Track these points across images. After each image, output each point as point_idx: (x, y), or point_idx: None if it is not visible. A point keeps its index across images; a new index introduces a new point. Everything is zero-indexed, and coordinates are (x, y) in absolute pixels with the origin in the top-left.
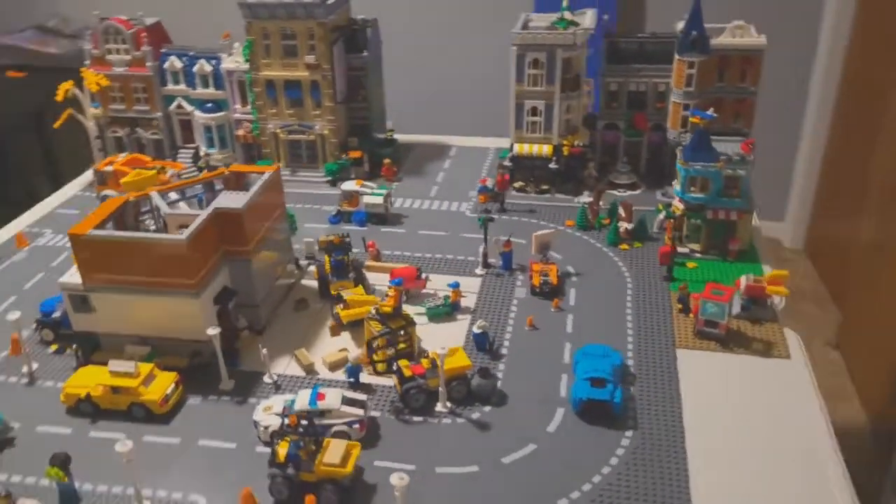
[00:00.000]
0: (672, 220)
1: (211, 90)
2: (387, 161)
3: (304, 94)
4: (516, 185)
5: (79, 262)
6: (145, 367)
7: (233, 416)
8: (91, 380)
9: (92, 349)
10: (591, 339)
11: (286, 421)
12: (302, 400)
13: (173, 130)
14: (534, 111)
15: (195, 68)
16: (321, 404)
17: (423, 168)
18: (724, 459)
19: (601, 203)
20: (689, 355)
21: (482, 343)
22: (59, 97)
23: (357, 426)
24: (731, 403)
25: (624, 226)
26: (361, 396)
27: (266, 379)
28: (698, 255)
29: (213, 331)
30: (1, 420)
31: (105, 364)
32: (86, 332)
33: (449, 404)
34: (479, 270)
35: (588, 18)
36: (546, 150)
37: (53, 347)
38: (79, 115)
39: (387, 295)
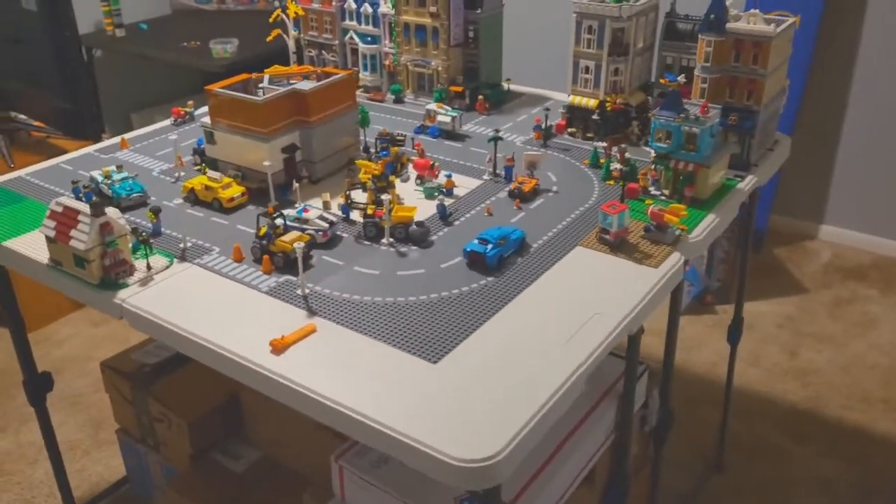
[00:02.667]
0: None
1: (371, 27)
2: (480, 98)
3: (427, 37)
4: (570, 130)
5: (209, 108)
6: (227, 179)
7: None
8: (198, 182)
9: (214, 169)
10: (524, 228)
11: (266, 210)
12: (294, 210)
13: (346, 56)
14: (586, 69)
15: (361, 9)
16: (304, 215)
17: (515, 110)
18: (531, 313)
19: (613, 149)
20: (583, 251)
21: (441, 213)
22: (271, 19)
23: (321, 233)
24: (579, 284)
25: (615, 166)
26: (333, 218)
27: (296, 206)
28: (664, 197)
29: (267, 163)
30: (143, 190)
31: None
32: (211, 157)
33: (391, 239)
34: (485, 176)
35: None
36: (592, 103)
37: (197, 167)
38: (284, 35)
39: (377, 164)
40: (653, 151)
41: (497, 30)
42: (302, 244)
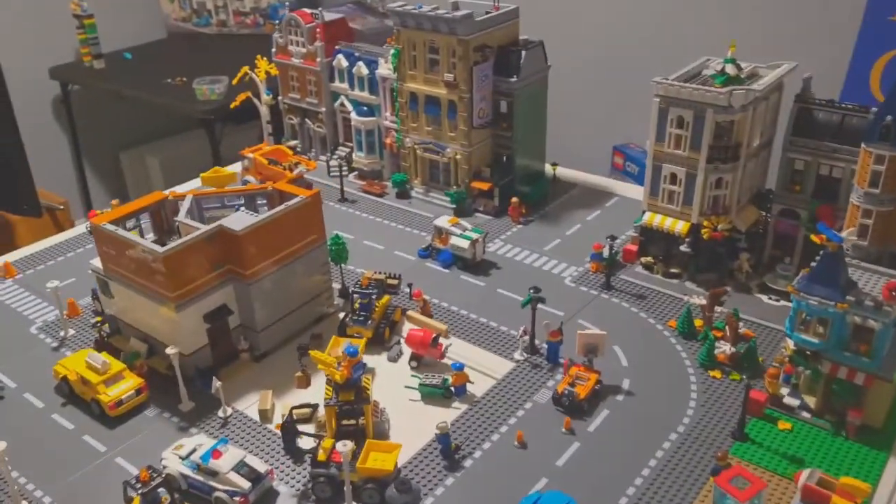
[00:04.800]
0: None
1: (366, 93)
2: (514, 200)
3: (441, 113)
4: (644, 259)
5: (98, 248)
6: (117, 367)
7: (166, 441)
8: (74, 365)
9: (115, 331)
10: (575, 485)
11: (136, 477)
12: (201, 451)
13: (337, 127)
14: (672, 178)
15: (354, 69)
16: (212, 463)
17: (564, 214)
18: None
19: (718, 309)
20: None
21: (444, 446)
22: (235, 80)
23: (238, 499)
24: None
25: (724, 348)
26: (262, 469)
27: (219, 413)
28: (807, 414)
29: (171, 350)
30: None
31: (115, 348)
32: (110, 315)
33: None
34: (517, 355)
35: (771, 76)
36: (680, 227)
37: (98, 319)
38: (254, 99)
39: (340, 363)
40: (790, 343)
41: (540, 101)
42: None
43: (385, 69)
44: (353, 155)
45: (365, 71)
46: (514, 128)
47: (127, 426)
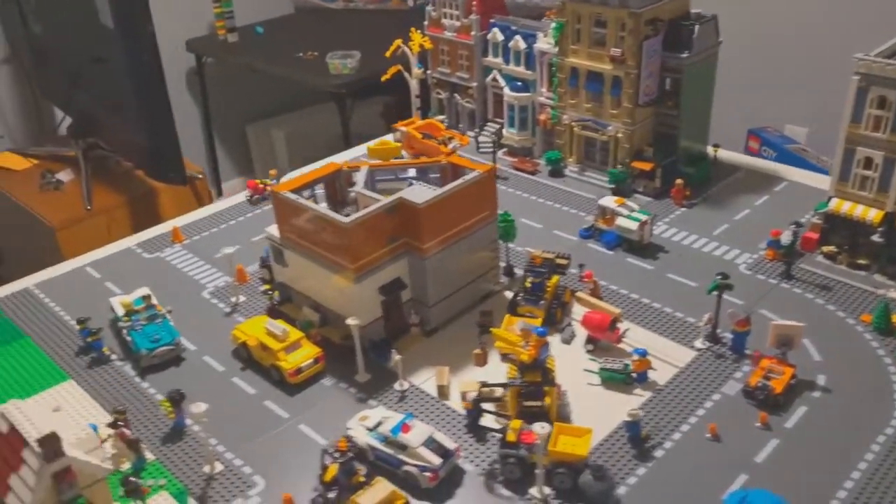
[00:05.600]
0: None
1: (522, 68)
2: (679, 181)
3: (604, 90)
4: (826, 249)
5: (277, 217)
6: (295, 335)
7: (346, 410)
8: (254, 330)
9: (286, 299)
10: (779, 482)
11: (334, 445)
12: (389, 424)
13: (486, 102)
14: (867, 163)
15: (511, 44)
16: (402, 437)
17: (729, 198)
18: None
19: None
20: None
21: (634, 434)
22: (388, 53)
23: (428, 474)
24: None
25: None
26: (451, 445)
27: (396, 386)
28: None
29: (353, 321)
30: (174, 340)
31: (287, 316)
32: (282, 283)
33: (547, 491)
34: (698, 343)
35: None
36: (873, 215)
37: (266, 287)
38: (405, 72)
39: (528, 342)
40: None
41: (708, 79)
42: None
43: (544, 43)
44: (504, 131)
45: (522, 45)
46: (681, 106)
47: (306, 394)
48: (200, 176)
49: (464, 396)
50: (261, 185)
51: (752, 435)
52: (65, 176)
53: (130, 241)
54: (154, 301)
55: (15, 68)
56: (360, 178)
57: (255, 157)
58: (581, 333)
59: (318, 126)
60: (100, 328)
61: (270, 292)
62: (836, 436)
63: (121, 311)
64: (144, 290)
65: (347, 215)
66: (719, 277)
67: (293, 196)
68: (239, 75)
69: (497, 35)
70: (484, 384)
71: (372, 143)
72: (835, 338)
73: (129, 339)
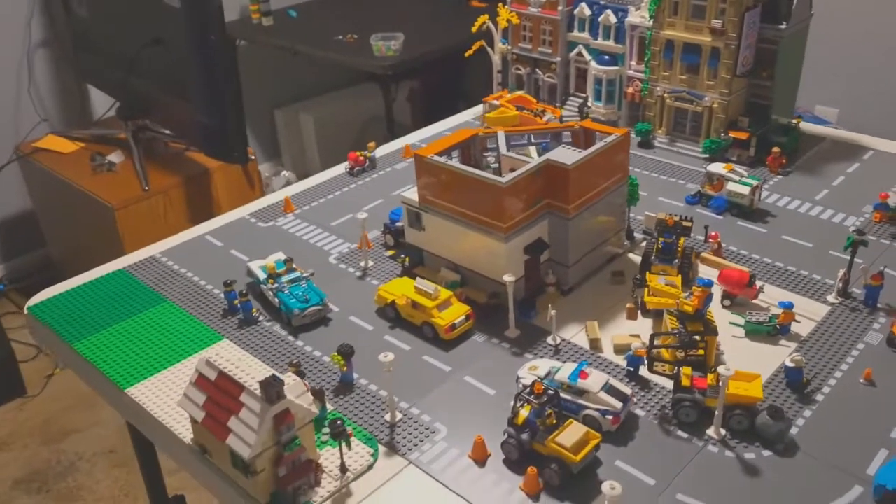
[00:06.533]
0: None
1: (611, 42)
2: (775, 150)
3: (701, 61)
4: None
5: (418, 181)
6: (445, 293)
7: (505, 364)
8: (401, 290)
9: (416, 263)
10: None
11: (531, 386)
12: (565, 371)
13: (569, 77)
14: None
15: (601, 18)
16: (581, 383)
17: (821, 166)
18: None
19: None
20: None
21: (794, 380)
22: (475, 28)
23: (610, 418)
24: None
25: None
26: (627, 390)
27: (549, 340)
28: None
29: (509, 278)
30: (322, 300)
31: (421, 278)
32: (415, 246)
33: (723, 432)
34: (831, 297)
35: None
36: None
37: (390, 252)
38: (488, 47)
39: (692, 293)
40: None
41: (799, 50)
42: (618, 492)
43: (636, 17)
44: (590, 104)
45: (613, 19)
46: (776, 77)
47: (461, 349)
48: (253, 157)
49: (616, 349)
50: (361, 157)
51: None
52: (116, 158)
53: (242, 212)
54: (294, 265)
55: (53, 53)
56: (500, 141)
57: (282, 141)
58: (716, 291)
59: (347, 111)
60: (246, 291)
61: (402, 256)
62: None
63: (263, 275)
64: (281, 255)
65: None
66: (855, 233)
67: (442, 160)
68: (269, 59)
69: (584, 10)
70: (656, 334)
71: (490, 113)
72: None
73: (276, 300)
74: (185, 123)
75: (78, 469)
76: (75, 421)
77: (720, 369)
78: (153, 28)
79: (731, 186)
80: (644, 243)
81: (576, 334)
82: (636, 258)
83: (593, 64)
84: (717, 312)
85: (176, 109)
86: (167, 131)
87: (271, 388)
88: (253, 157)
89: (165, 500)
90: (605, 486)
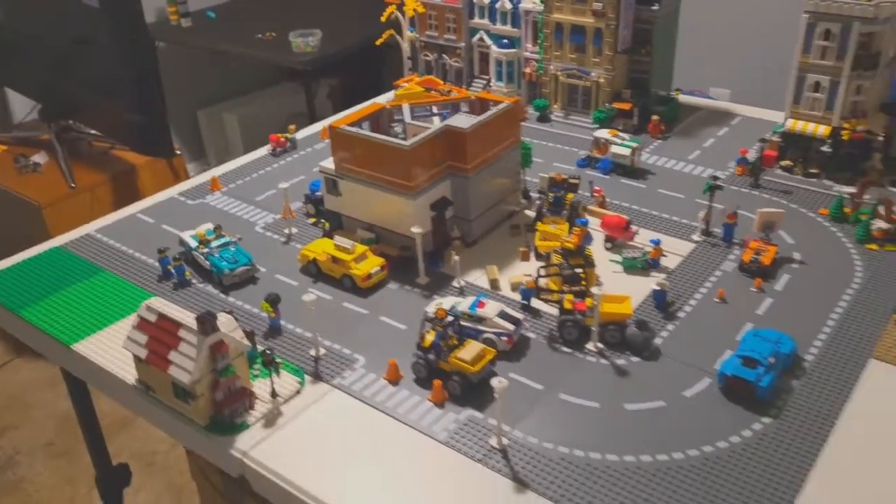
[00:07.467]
0: None
1: (508, 27)
2: (655, 118)
3: (587, 41)
4: (784, 163)
5: (333, 150)
6: (361, 248)
7: (416, 305)
8: (322, 248)
9: (335, 227)
10: (778, 325)
11: (435, 313)
12: (465, 303)
13: (473, 61)
14: (816, 86)
15: (498, 5)
16: (479, 311)
17: (696, 131)
18: (855, 484)
19: (866, 196)
20: (884, 369)
21: (660, 301)
22: (384, 18)
23: (505, 339)
24: None
25: (878, 224)
26: (519, 316)
27: (455, 283)
28: None
29: (416, 229)
30: (250, 261)
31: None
32: (333, 211)
33: (600, 345)
34: (695, 236)
35: None
36: (822, 130)
37: (312, 220)
38: (397, 36)
39: (572, 232)
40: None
41: (672, 29)
42: (504, 385)
43: (529, 3)
44: (493, 84)
45: (508, 5)
46: (654, 53)
47: (377, 296)
48: (179, 152)
49: (512, 286)
50: (282, 139)
51: (750, 297)
52: (40, 158)
53: (172, 192)
54: (223, 232)
55: None
56: (405, 112)
57: (206, 141)
58: (599, 236)
59: (270, 109)
60: (179, 256)
61: (322, 221)
62: (816, 291)
63: (194, 242)
64: (210, 225)
65: None
66: (712, 179)
67: (353, 129)
68: (190, 60)
69: None
70: (542, 266)
71: (399, 90)
72: (801, 227)
73: (207, 263)
74: (108, 121)
75: (17, 463)
76: (9, 418)
77: (593, 289)
78: (74, 29)
79: (614, 149)
80: (538, 201)
81: (478, 278)
82: (532, 214)
83: (494, 48)
84: (601, 253)
85: (99, 108)
86: (92, 131)
87: (206, 322)
88: (179, 153)
89: (110, 469)
90: (494, 382)
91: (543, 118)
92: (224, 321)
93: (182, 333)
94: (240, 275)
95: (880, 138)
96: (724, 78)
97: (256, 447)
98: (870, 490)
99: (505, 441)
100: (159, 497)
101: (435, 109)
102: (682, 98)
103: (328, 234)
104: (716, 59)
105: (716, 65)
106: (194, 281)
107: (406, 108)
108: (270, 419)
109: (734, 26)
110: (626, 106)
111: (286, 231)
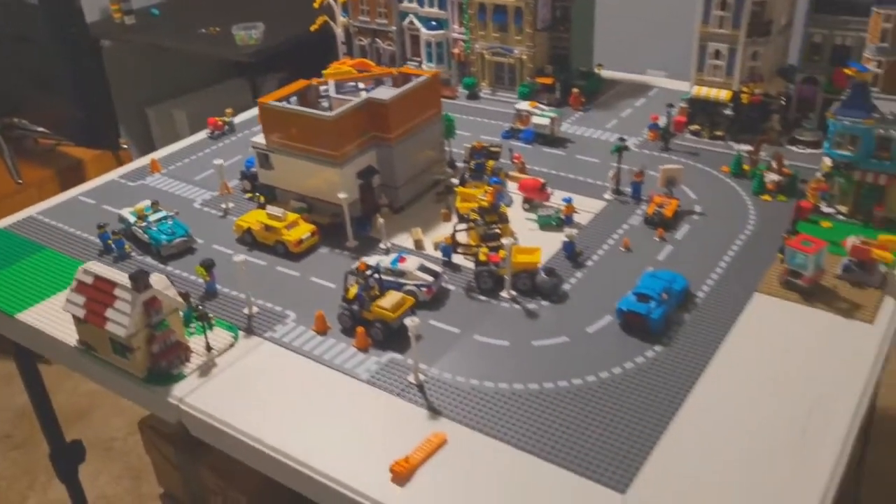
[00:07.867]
0: (821, 178)
1: (435, 9)
2: (575, 91)
3: (508, 20)
4: (692, 127)
5: (263, 125)
6: (292, 216)
7: (344, 266)
8: (256, 218)
9: (270, 199)
10: (676, 268)
11: (356, 267)
12: (387, 260)
13: (405, 44)
14: (716, 54)
15: None
16: (400, 266)
17: (614, 103)
18: (730, 400)
19: (762, 154)
20: (766, 300)
21: (569, 251)
22: (316, 4)
23: (425, 290)
24: (777, 351)
25: (771, 177)
26: (437, 269)
27: (381, 245)
28: (842, 217)
29: (343, 195)
30: (187, 233)
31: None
32: (266, 184)
33: (513, 293)
34: (607, 195)
35: None
36: (724, 95)
37: (248, 195)
38: (331, 22)
39: (486, 191)
40: (828, 159)
41: (590, 8)
42: (416, 322)
43: None
44: (423, 66)
45: None
46: (572, 30)
47: (308, 260)
48: (125, 147)
49: (435, 245)
50: (220, 122)
51: (653, 245)
52: None
53: (112, 175)
54: (160, 207)
55: None
56: (330, 88)
57: (156, 137)
58: (517, 198)
59: (220, 105)
60: (118, 231)
61: (257, 195)
62: (712, 238)
63: (133, 218)
64: (148, 202)
65: None
66: (619, 140)
67: (280, 104)
68: (136, 58)
69: None
70: (457, 223)
71: (328, 69)
72: (704, 183)
73: (146, 236)
74: (53, 117)
75: None
76: None
77: (504, 240)
78: (13, 26)
79: (534, 119)
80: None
81: (404, 240)
82: (457, 182)
83: (423, 30)
84: (519, 213)
85: (43, 104)
86: (37, 128)
87: (139, 280)
88: (125, 147)
89: (63, 446)
90: (407, 321)
91: (473, 95)
92: (157, 279)
93: (117, 292)
94: (177, 246)
95: (782, 102)
96: (660, 59)
97: (192, 394)
98: (744, 404)
99: (422, 377)
100: (118, 480)
101: (361, 85)
102: (605, 73)
103: (263, 207)
104: (652, 40)
105: (651, 46)
106: (134, 254)
107: (332, 83)
108: (205, 370)
109: (669, 8)
110: (548, 80)
111: (223, 206)
